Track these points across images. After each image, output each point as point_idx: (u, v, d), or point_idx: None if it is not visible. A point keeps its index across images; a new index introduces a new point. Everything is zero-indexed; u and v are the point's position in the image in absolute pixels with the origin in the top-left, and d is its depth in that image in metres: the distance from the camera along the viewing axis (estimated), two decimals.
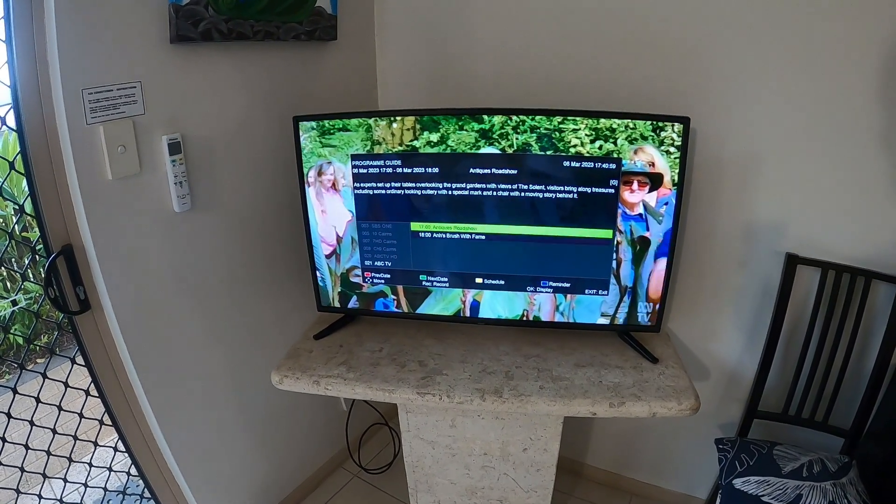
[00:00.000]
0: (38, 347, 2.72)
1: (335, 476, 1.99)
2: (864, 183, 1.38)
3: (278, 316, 1.66)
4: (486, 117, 1.28)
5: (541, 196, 1.31)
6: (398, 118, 1.31)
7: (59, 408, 1.42)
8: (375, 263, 1.43)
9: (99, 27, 1.12)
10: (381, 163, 1.35)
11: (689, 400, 1.27)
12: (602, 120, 1.25)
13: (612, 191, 1.30)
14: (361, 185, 1.38)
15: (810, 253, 1.45)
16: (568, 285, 1.38)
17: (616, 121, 1.25)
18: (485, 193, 1.33)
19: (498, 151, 1.29)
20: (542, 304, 1.41)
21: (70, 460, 1.50)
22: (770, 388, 1.55)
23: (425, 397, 1.29)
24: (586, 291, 1.38)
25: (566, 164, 1.29)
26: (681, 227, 1.50)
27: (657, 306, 1.38)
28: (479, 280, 1.40)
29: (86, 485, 1.53)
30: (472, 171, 1.31)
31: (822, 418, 1.52)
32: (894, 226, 1.39)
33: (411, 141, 1.32)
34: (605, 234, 1.33)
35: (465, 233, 1.37)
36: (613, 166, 1.28)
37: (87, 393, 1.43)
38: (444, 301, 1.44)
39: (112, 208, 1.23)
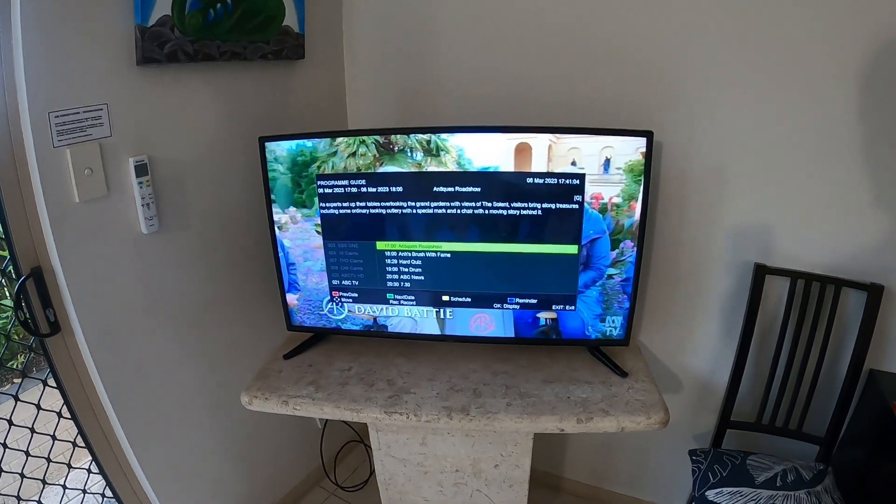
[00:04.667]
0: (14, 368, 2.70)
1: (312, 494, 1.96)
2: (831, 192, 1.37)
3: (250, 335, 1.65)
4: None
5: (505, 213, 1.31)
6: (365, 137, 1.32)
7: (32, 430, 1.41)
8: (343, 283, 1.43)
9: (65, 50, 1.10)
10: (345, 182, 1.35)
11: (659, 414, 1.26)
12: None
13: (577, 206, 1.30)
14: (327, 204, 1.38)
15: (780, 262, 1.45)
16: (535, 301, 1.37)
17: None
18: (448, 212, 1.32)
19: (462, 169, 1.30)
20: (510, 320, 1.41)
21: (44, 483, 1.49)
22: (743, 398, 1.54)
23: (392, 416, 1.28)
24: (553, 307, 1.38)
25: (530, 180, 1.29)
26: (647, 240, 1.50)
27: (626, 319, 1.38)
28: (445, 298, 1.40)
29: None
30: (435, 189, 1.32)
31: (796, 426, 1.51)
32: (862, 233, 1.39)
33: (376, 161, 1.32)
34: (570, 249, 1.33)
35: (430, 251, 1.37)
36: (577, 182, 1.28)
37: (60, 415, 1.43)
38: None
39: (80, 231, 1.22)
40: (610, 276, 1.35)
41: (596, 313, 1.39)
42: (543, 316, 1.40)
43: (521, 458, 1.40)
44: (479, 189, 1.30)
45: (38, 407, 1.41)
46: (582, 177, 1.27)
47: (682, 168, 1.44)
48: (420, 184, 1.31)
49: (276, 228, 1.41)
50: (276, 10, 1.51)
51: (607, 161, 1.28)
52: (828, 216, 1.39)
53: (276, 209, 1.41)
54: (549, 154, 1.28)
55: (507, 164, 1.29)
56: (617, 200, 1.29)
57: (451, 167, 1.31)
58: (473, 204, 1.31)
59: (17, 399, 1.39)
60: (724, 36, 1.34)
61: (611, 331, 1.39)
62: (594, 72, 1.46)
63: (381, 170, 1.32)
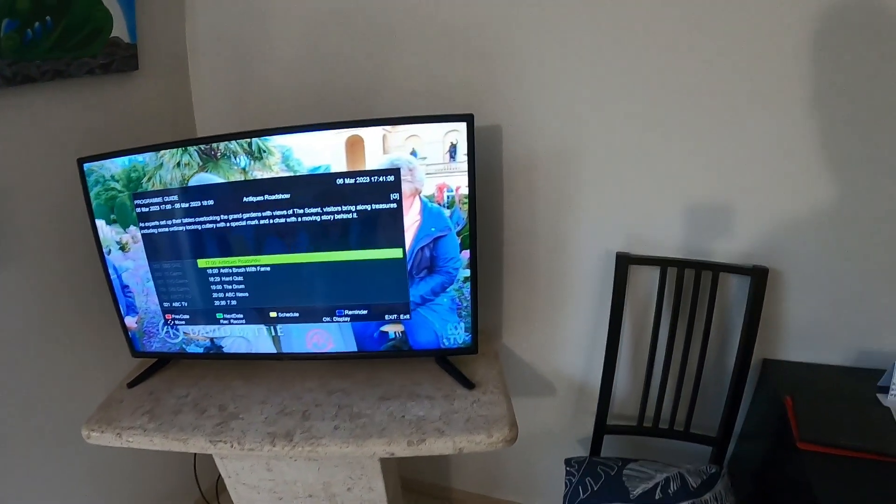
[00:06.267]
0: None
1: None
2: (697, 170, 1.19)
3: (100, 363, 1.50)
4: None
5: (318, 219, 1.17)
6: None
7: None
8: (173, 305, 1.31)
9: None
10: (160, 199, 1.23)
11: (502, 430, 1.10)
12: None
13: (395, 205, 1.14)
14: (146, 224, 1.25)
15: (647, 250, 1.27)
16: (365, 312, 1.23)
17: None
18: (261, 222, 1.19)
19: (291, 171, 1.15)
20: (349, 335, 1.26)
21: None
22: (623, 399, 1.37)
23: (217, 445, 1.15)
24: (386, 317, 1.23)
25: (340, 181, 1.14)
26: (496, 234, 1.34)
27: (470, 324, 1.22)
28: (273, 314, 1.26)
29: None
30: (245, 199, 1.18)
31: (683, 427, 1.33)
32: (739, 212, 1.20)
33: (201, 170, 1.20)
34: (394, 253, 1.18)
35: (249, 266, 1.23)
36: (392, 178, 1.13)
37: None
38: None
39: None
40: (467, 279, 1.19)
41: (453, 323, 1.23)
42: (391, 329, 1.25)
43: (372, 480, 1.26)
44: (287, 196, 1.16)
45: None
46: (396, 171, 1.12)
47: (528, 153, 1.27)
48: (228, 194, 1.18)
49: (118, 249, 1.29)
50: (101, 21, 1.38)
51: (453, 147, 1.12)
52: (698, 196, 1.21)
53: (117, 229, 1.30)
54: (384, 145, 1.12)
55: (339, 162, 1.14)
56: (466, 191, 1.14)
57: (278, 170, 1.16)
58: (284, 212, 1.17)
59: None
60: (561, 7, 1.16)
61: (455, 338, 1.23)
62: (428, 54, 1.29)
63: (191, 183, 1.20)
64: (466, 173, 1.12)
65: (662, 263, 1.24)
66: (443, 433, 1.10)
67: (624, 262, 1.25)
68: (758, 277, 1.21)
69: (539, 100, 1.23)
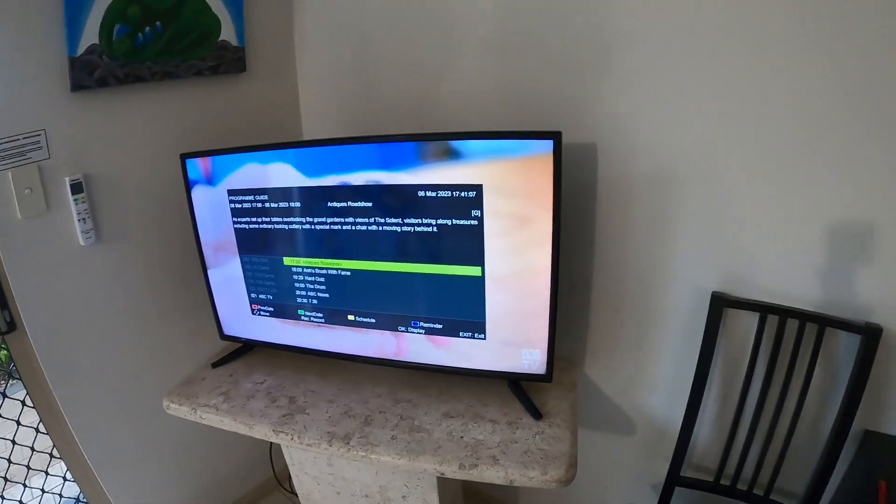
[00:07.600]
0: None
1: (270, 498, 1.87)
2: (815, 205, 1.04)
3: (190, 341, 1.58)
4: None
5: (398, 230, 1.14)
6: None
7: (18, 423, 1.48)
8: (260, 296, 1.33)
9: (5, 83, 1.13)
10: (251, 197, 1.25)
11: (558, 470, 1.01)
12: None
13: (476, 222, 1.09)
14: (239, 219, 1.28)
15: (747, 292, 1.13)
16: (440, 327, 1.18)
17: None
18: (344, 227, 1.18)
19: (354, 183, 1.14)
20: (421, 344, 1.23)
21: (28, 468, 1.55)
22: (703, 451, 1.23)
23: (279, 436, 1.16)
24: (461, 334, 1.18)
25: (421, 193, 1.10)
26: (585, 259, 1.25)
27: (546, 353, 1.15)
28: (350, 317, 1.25)
29: (43, 490, 1.59)
30: (329, 204, 1.17)
31: (764, 491, 1.18)
32: (855, 260, 1.04)
33: None
34: (473, 271, 1.12)
35: (331, 268, 1.23)
36: (473, 194, 1.07)
37: (24, 403, 1.48)
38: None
39: (24, 244, 1.23)
40: None
41: (528, 348, 1.17)
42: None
43: (427, 492, 1.22)
44: (370, 204, 1.13)
45: (4, 395, 1.46)
46: (479, 188, 1.06)
47: (623, 174, 1.17)
48: (314, 198, 1.18)
49: (201, 242, 1.35)
50: (210, 26, 1.42)
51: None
52: (810, 236, 1.05)
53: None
54: None
55: None
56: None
57: (363, 177, 1.15)
58: (366, 220, 1.15)
59: (3, 395, 1.45)
60: (669, 11, 1.04)
61: (530, 364, 1.16)
62: (526, 65, 1.22)
63: (278, 185, 1.21)
64: (552, 195, 1.04)
65: (762, 309, 1.10)
66: (497, 461, 1.04)
67: (719, 304, 1.12)
68: (869, 337, 1.04)
69: (639, 117, 1.12)
